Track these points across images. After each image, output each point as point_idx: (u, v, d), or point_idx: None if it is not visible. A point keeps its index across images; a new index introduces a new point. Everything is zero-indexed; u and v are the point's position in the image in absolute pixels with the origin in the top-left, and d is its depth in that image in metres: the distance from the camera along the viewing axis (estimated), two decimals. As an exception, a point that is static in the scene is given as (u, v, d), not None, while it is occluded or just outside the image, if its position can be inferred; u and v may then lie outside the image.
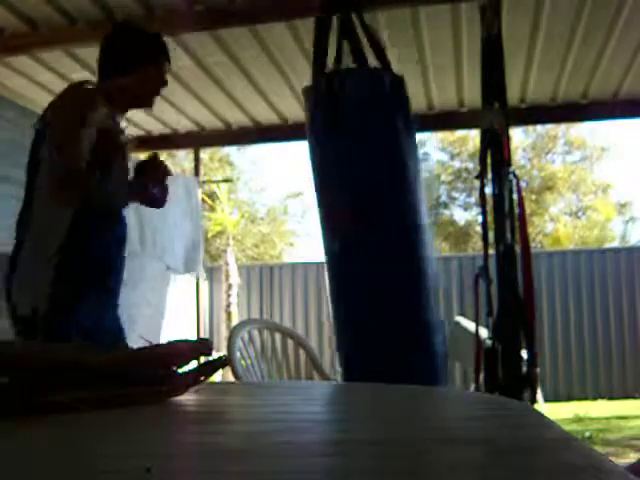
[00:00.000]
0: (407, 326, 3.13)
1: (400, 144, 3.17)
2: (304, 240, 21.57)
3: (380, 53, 3.47)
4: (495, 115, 3.37)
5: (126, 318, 4.36)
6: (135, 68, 2.53)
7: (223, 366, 0.87)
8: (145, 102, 2.61)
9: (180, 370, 0.81)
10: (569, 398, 9.31)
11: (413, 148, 3.26)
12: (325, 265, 3.44)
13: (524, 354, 3.38)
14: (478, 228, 18.25)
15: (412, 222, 3.12)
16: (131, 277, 6.42)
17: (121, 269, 2.57)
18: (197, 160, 7.03)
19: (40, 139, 2.42)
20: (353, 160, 3.13)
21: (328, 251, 3.35)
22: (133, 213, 4.33)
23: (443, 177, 21.21)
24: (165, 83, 2.58)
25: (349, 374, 3.20)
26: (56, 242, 2.36)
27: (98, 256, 2.44)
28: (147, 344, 0.83)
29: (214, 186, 14.77)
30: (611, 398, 9.23)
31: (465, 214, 21.50)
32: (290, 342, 3.74)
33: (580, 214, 21.28)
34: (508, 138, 3.37)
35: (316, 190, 3.43)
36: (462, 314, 8.62)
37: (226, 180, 15.77)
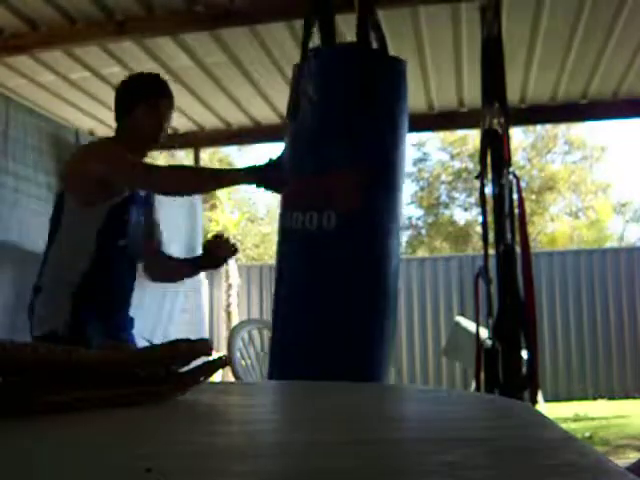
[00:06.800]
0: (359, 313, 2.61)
1: (387, 134, 2.70)
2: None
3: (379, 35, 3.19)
4: (495, 115, 3.36)
5: (158, 330, 4.37)
6: (131, 109, 2.63)
7: (223, 366, 0.87)
8: (150, 139, 2.69)
9: (180, 370, 0.81)
10: (569, 398, 9.31)
11: (400, 139, 2.79)
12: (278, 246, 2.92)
13: (525, 355, 3.38)
14: (478, 228, 18.25)
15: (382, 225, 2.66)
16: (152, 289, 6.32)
17: (130, 300, 2.74)
18: (197, 160, 7.02)
19: (60, 203, 2.60)
20: (324, 140, 2.69)
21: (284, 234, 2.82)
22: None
23: (443, 177, 21.20)
24: (163, 120, 2.67)
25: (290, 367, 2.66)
26: (80, 270, 2.52)
27: (116, 288, 2.57)
28: (148, 344, 0.83)
29: (214, 186, 14.73)
30: (611, 398, 9.23)
31: (465, 214, 21.52)
32: (290, 342, 3.73)
33: (580, 214, 21.29)
34: (508, 138, 3.37)
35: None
36: (462, 314, 8.62)
37: (226, 180, 15.74)
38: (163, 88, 2.70)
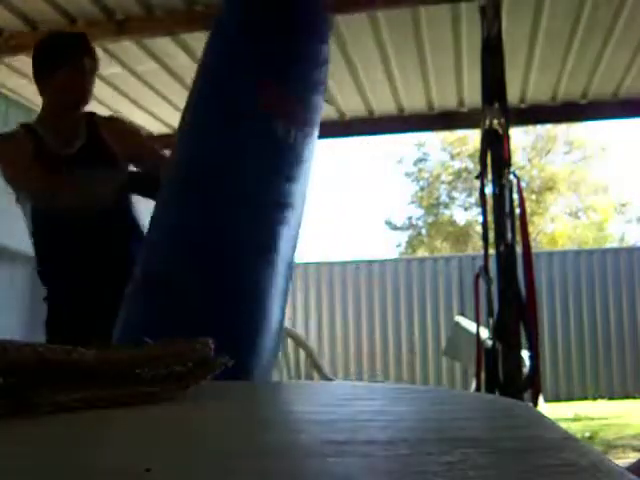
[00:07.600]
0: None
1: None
2: (303, 239, 21.53)
3: None
4: (495, 115, 3.36)
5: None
6: (53, 72, 2.41)
7: (224, 366, 0.87)
8: (73, 104, 2.46)
9: (180, 370, 0.81)
10: (569, 398, 9.32)
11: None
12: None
13: (525, 355, 3.38)
14: (478, 228, 18.24)
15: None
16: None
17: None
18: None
19: None
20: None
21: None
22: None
23: (443, 177, 21.19)
24: (87, 82, 2.45)
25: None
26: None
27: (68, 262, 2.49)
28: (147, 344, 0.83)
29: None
30: (611, 398, 9.24)
31: (465, 214, 21.50)
32: (290, 342, 3.74)
33: (580, 214, 21.29)
34: (508, 138, 3.37)
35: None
36: (462, 314, 8.62)
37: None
38: (88, 47, 2.47)
